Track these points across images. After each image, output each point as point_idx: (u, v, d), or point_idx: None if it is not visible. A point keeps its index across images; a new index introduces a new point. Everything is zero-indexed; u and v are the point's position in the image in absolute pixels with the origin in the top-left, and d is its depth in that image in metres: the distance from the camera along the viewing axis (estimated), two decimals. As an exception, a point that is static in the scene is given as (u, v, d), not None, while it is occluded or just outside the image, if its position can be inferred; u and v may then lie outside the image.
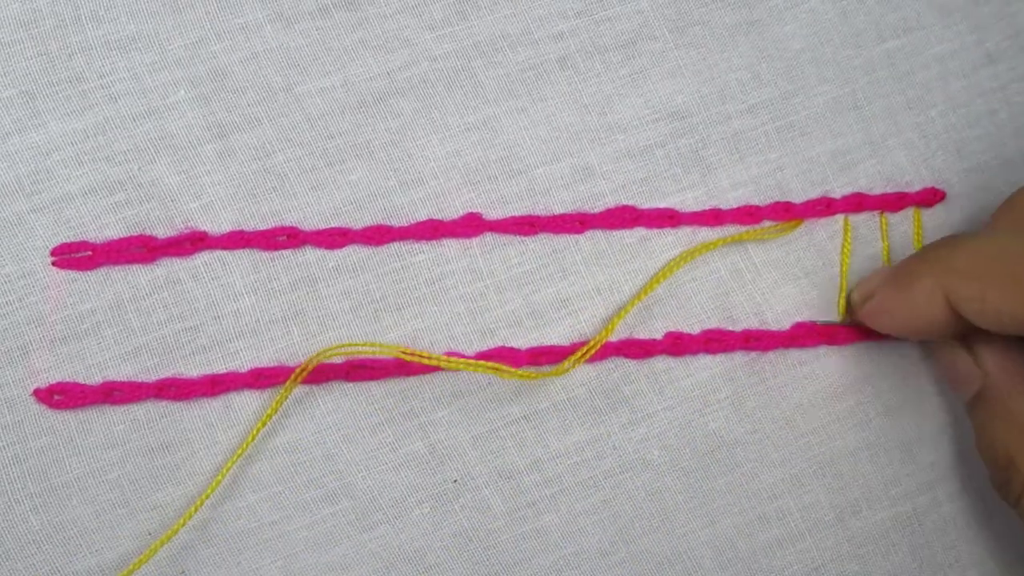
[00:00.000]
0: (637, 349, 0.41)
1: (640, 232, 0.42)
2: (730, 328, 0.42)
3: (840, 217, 0.43)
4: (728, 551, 0.41)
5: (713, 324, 0.42)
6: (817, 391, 0.42)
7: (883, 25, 0.43)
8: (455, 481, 0.40)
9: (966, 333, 0.39)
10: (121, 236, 0.38)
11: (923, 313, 0.38)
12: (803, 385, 0.42)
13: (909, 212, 0.43)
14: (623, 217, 0.41)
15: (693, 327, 0.42)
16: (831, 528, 0.42)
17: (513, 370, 0.38)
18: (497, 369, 0.38)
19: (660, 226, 0.42)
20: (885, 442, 0.42)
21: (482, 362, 0.38)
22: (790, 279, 0.42)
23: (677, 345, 0.41)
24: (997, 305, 0.36)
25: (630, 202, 0.42)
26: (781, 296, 0.42)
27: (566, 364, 0.39)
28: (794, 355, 0.42)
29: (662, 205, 0.42)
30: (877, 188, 0.43)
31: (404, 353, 0.38)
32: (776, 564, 0.41)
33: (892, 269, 0.40)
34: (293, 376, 0.38)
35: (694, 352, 0.41)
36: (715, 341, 0.41)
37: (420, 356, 0.38)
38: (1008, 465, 0.37)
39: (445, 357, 0.38)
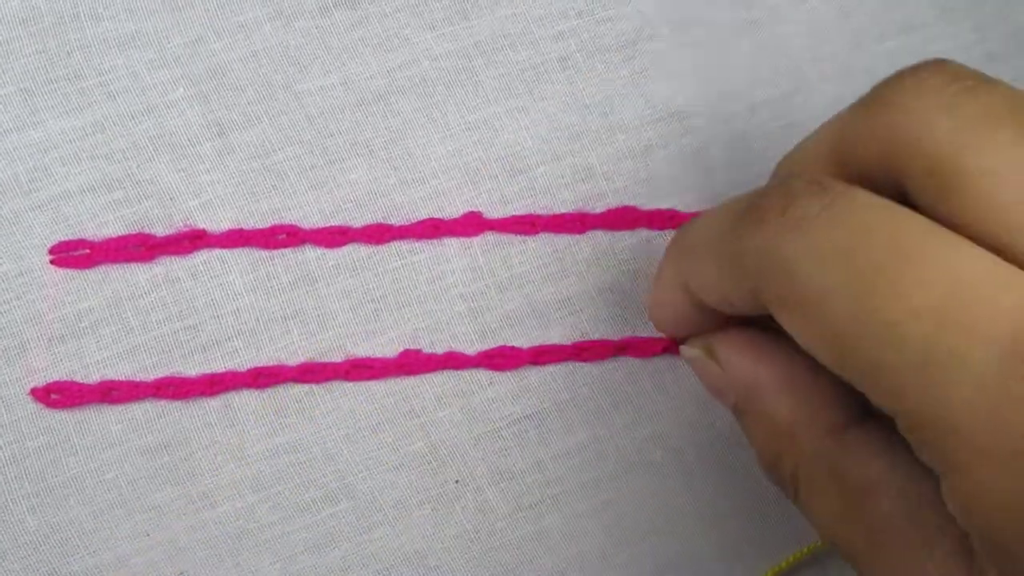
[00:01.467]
0: (640, 347, 0.40)
1: (643, 233, 0.41)
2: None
3: None
4: (734, 554, 0.41)
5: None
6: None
7: (884, 24, 0.43)
8: (457, 482, 0.39)
9: (714, 329, 0.36)
10: (119, 234, 0.38)
11: (669, 304, 0.36)
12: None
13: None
14: (625, 217, 0.41)
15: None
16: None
17: None
18: None
19: (662, 227, 0.42)
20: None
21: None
22: None
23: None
24: (704, 277, 0.34)
25: (631, 203, 0.41)
26: None
27: None
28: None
29: (664, 206, 0.42)
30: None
31: None
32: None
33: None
34: None
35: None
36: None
37: None
38: (775, 470, 0.35)
39: None
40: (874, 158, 0.32)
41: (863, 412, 0.33)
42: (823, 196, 0.30)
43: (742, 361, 0.35)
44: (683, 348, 0.37)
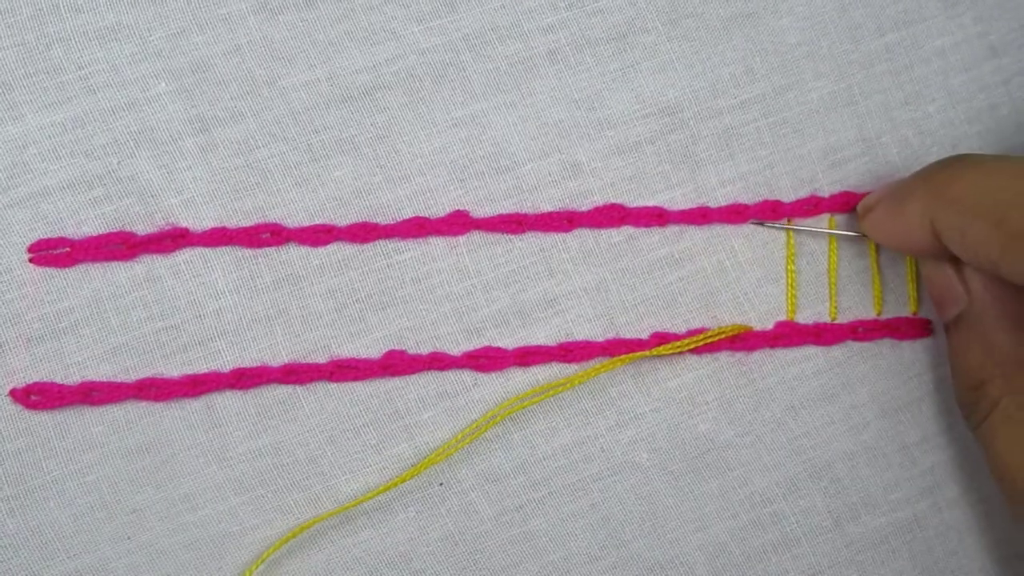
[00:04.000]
0: (623, 349, 0.40)
1: (628, 231, 0.41)
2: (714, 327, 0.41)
3: (826, 216, 0.42)
4: (721, 556, 0.41)
5: (699, 324, 0.41)
6: (808, 393, 0.41)
7: (883, 18, 0.43)
8: (441, 484, 0.39)
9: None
10: (100, 232, 0.38)
11: (911, 234, 0.38)
12: (792, 387, 0.41)
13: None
14: (611, 215, 0.41)
15: (679, 327, 0.41)
16: (828, 533, 0.41)
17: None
18: None
19: (648, 224, 0.41)
20: (884, 445, 0.42)
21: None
22: (772, 278, 0.42)
23: (663, 346, 0.40)
24: (975, 243, 0.35)
25: (619, 200, 0.41)
26: (764, 295, 0.42)
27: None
28: (781, 356, 0.41)
29: (650, 203, 0.41)
30: (866, 186, 0.42)
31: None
32: (771, 570, 0.41)
33: (895, 184, 0.39)
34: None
35: (678, 352, 0.41)
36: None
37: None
38: (978, 388, 0.37)
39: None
40: None
41: None
42: None
43: (983, 278, 0.38)
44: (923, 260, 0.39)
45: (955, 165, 0.37)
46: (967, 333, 0.37)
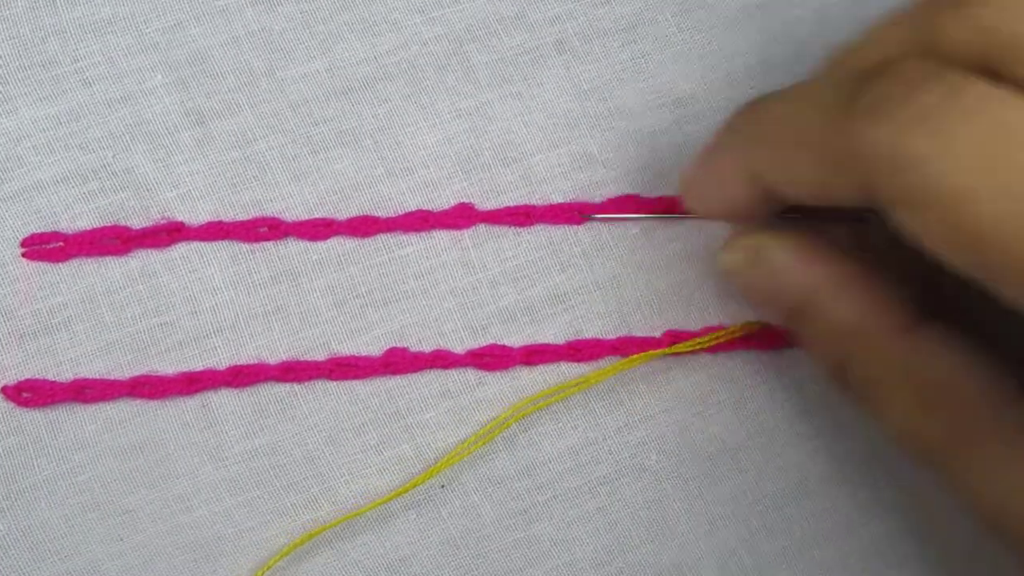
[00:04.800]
0: (635, 348, 0.39)
1: (644, 223, 0.40)
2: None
3: None
4: (731, 562, 0.39)
5: (715, 321, 0.40)
6: (821, 395, 0.40)
7: (896, 8, 0.41)
8: (442, 486, 0.38)
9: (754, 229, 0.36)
10: (94, 226, 0.37)
11: (730, 190, 0.34)
12: (805, 388, 0.40)
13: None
14: (626, 206, 0.40)
15: (694, 324, 0.40)
16: (842, 539, 0.40)
17: None
18: None
19: (663, 212, 0.40)
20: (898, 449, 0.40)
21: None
22: None
23: (676, 344, 0.39)
24: (795, 171, 0.32)
25: (632, 191, 0.40)
26: None
27: None
28: (794, 355, 0.40)
29: (666, 194, 0.40)
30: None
31: None
32: (782, 576, 0.40)
33: (702, 147, 0.36)
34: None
35: (692, 351, 0.39)
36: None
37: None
38: (840, 372, 0.34)
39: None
40: (967, 54, 0.30)
41: (927, 313, 0.33)
42: (942, 85, 0.28)
43: (799, 263, 0.35)
44: (722, 256, 0.36)
45: (752, 106, 0.34)
46: (806, 321, 0.35)
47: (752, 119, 0.34)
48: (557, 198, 0.39)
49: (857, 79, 0.30)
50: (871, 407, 0.34)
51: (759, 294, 0.36)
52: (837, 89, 0.30)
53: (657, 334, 0.39)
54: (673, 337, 0.39)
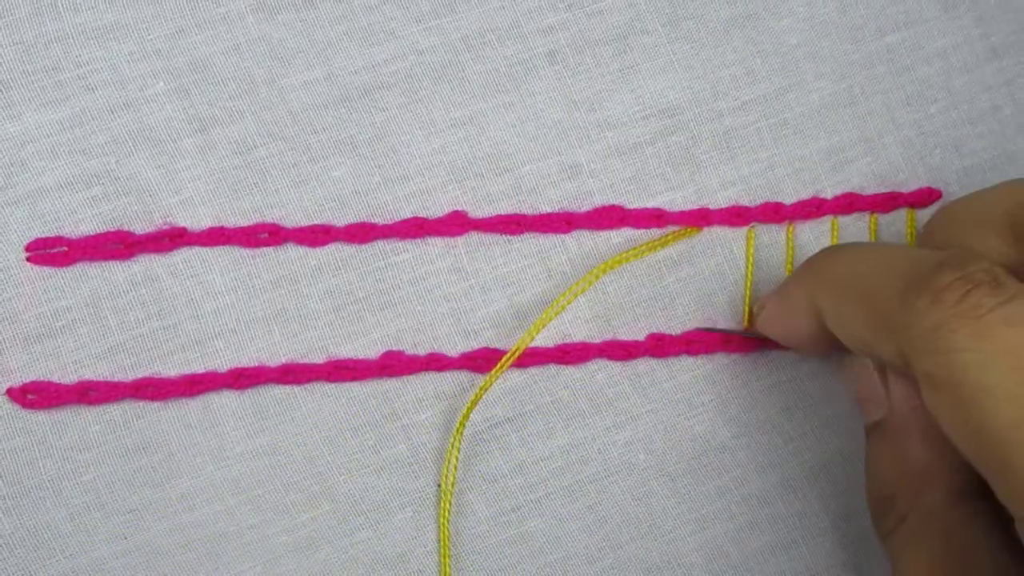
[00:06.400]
0: (620, 350, 0.40)
1: (627, 232, 0.41)
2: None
3: (829, 218, 0.42)
4: (719, 557, 0.41)
5: (694, 326, 0.41)
6: (803, 395, 0.41)
7: (883, 18, 0.42)
8: (438, 485, 0.39)
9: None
10: (98, 231, 0.38)
11: (799, 322, 0.37)
12: (787, 389, 0.41)
13: (902, 213, 0.43)
14: (610, 217, 0.41)
15: (675, 328, 0.41)
16: (827, 535, 0.41)
17: None
18: None
19: (647, 226, 0.41)
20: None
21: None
22: (771, 282, 0.41)
23: (659, 347, 0.40)
24: (848, 322, 0.35)
25: (618, 201, 0.41)
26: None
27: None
28: (776, 357, 0.41)
29: (650, 205, 0.41)
30: (870, 188, 0.42)
31: None
32: (769, 571, 0.41)
33: (784, 280, 0.40)
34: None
35: (676, 354, 0.40)
36: (696, 343, 0.41)
37: None
38: (886, 503, 0.36)
39: None
40: None
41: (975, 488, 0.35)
42: (1000, 293, 0.30)
43: (907, 388, 0.36)
44: (850, 358, 0.38)
45: (833, 250, 0.37)
46: (883, 443, 0.37)
47: (830, 263, 0.36)
48: (546, 208, 0.40)
49: (936, 264, 0.32)
50: (889, 544, 0.36)
51: (863, 394, 0.38)
52: (914, 267, 0.32)
53: (640, 337, 0.41)
54: (656, 340, 0.40)
